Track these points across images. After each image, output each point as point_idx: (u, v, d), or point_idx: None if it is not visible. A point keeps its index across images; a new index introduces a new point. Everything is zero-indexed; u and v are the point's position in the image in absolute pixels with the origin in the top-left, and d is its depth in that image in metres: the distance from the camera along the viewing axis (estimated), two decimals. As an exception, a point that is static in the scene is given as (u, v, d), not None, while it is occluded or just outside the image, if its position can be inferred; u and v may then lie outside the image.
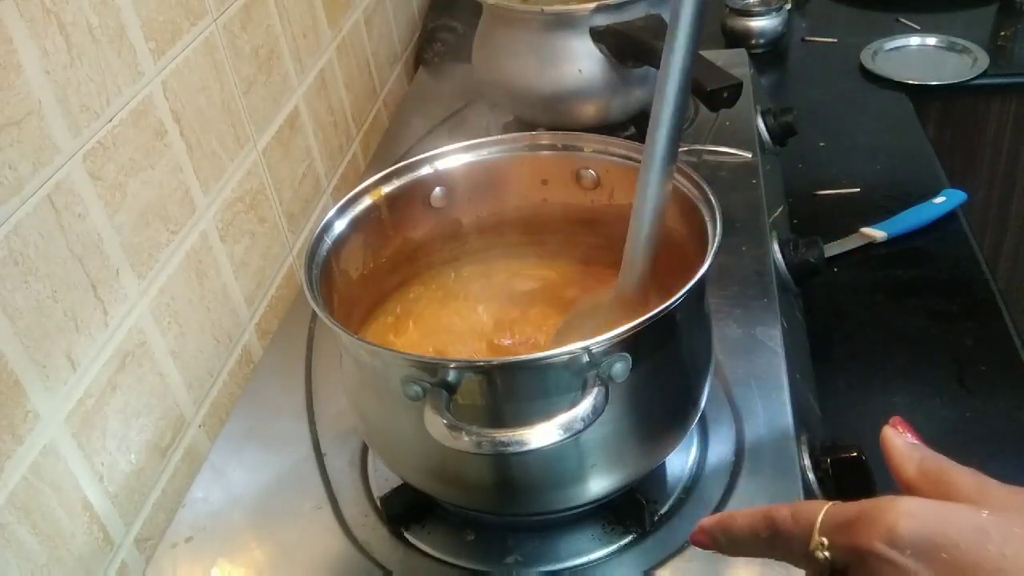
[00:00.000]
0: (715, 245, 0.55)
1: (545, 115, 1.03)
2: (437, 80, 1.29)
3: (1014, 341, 0.89)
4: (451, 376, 0.51)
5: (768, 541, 0.41)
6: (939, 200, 1.05)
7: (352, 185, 0.70)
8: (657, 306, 0.51)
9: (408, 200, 0.69)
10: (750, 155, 0.97)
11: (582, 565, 0.60)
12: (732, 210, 0.89)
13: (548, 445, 0.47)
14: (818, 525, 0.39)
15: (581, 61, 0.97)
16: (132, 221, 0.69)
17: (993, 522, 0.35)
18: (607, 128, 1.01)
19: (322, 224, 0.63)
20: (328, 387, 0.77)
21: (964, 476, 0.39)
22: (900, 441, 0.42)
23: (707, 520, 0.46)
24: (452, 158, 0.70)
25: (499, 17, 1.02)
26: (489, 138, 0.71)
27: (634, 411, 0.55)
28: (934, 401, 0.83)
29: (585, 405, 0.48)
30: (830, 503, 0.39)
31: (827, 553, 0.38)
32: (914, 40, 1.44)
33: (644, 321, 0.50)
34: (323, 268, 0.61)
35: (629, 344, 0.50)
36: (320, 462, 0.71)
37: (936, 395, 0.84)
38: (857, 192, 1.11)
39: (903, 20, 1.51)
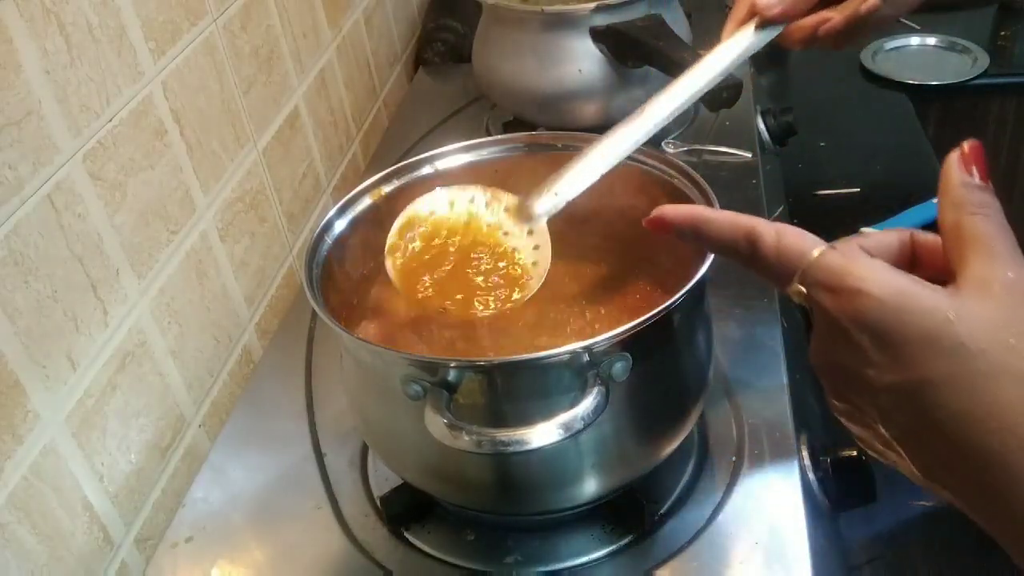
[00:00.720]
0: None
1: (545, 115, 1.03)
2: (437, 80, 1.29)
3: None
4: (451, 375, 0.51)
5: (746, 258, 0.41)
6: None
7: (352, 185, 0.70)
8: (657, 305, 0.51)
9: (408, 200, 0.69)
10: (750, 155, 0.97)
11: (582, 565, 0.60)
12: (732, 210, 0.88)
13: (548, 444, 0.47)
14: (798, 275, 0.39)
15: (581, 61, 0.98)
16: (132, 221, 0.69)
17: (963, 309, 0.35)
18: (607, 128, 1.01)
19: (322, 224, 0.63)
20: (328, 387, 0.77)
21: (982, 254, 0.36)
22: (959, 178, 0.38)
23: (671, 211, 0.45)
24: (452, 158, 0.70)
25: (499, 17, 1.03)
26: (489, 138, 0.71)
27: (634, 411, 0.55)
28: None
29: (585, 405, 0.48)
30: (816, 252, 0.39)
31: (802, 299, 0.39)
32: (914, 40, 1.44)
33: (644, 321, 0.50)
34: (323, 268, 0.61)
35: (629, 344, 0.50)
36: (320, 462, 0.71)
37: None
38: (857, 192, 1.11)
39: (903, 20, 1.51)
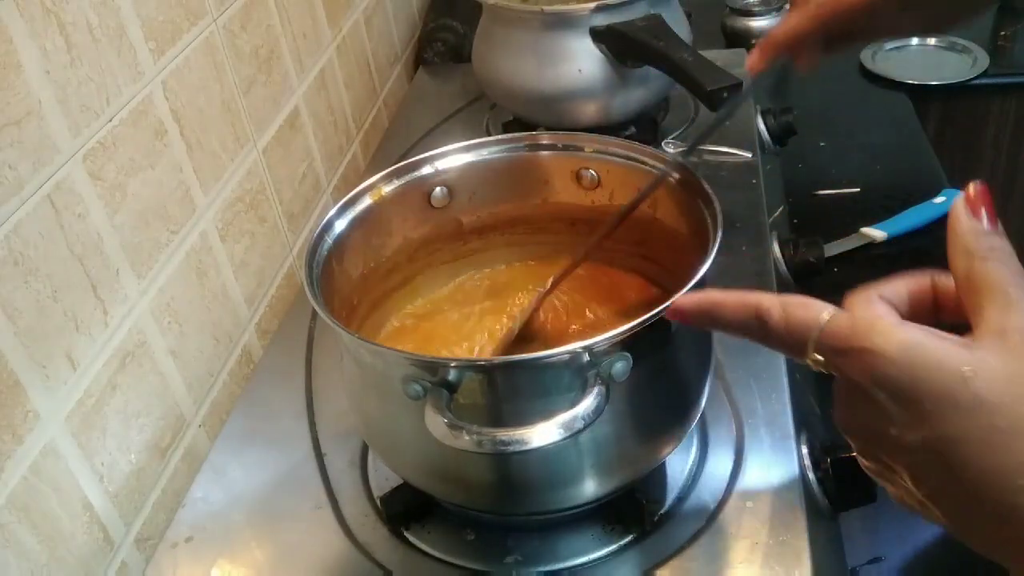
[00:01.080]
0: (716, 245, 0.55)
1: (545, 115, 1.03)
2: (437, 80, 1.29)
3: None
4: (452, 375, 0.51)
5: (759, 336, 0.42)
6: (939, 200, 1.05)
7: (352, 185, 0.70)
8: (657, 305, 0.51)
9: (408, 200, 0.69)
10: (750, 155, 0.97)
11: (582, 565, 0.60)
12: (732, 210, 0.89)
13: (548, 444, 0.47)
14: (811, 344, 0.39)
15: (581, 61, 0.97)
16: (132, 221, 0.69)
17: (979, 363, 0.34)
18: (607, 128, 1.01)
19: (322, 224, 0.63)
20: (328, 387, 0.77)
21: (997, 303, 0.35)
22: (967, 225, 0.37)
23: (685, 301, 0.45)
24: (452, 158, 0.70)
25: (499, 17, 1.02)
26: (489, 138, 0.71)
27: (634, 411, 0.55)
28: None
29: (585, 404, 0.48)
30: (825, 317, 0.38)
31: (821, 366, 0.39)
32: (914, 40, 1.44)
33: (644, 321, 0.50)
34: (323, 268, 0.61)
35: (629, 344, 0.50)
36: (320, 462, 0.71)
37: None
38: (857, 192, 1.11)
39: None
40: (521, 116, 1.08)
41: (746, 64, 0.66)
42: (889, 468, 0.38)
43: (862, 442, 0.39)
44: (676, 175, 0.63)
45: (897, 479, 0.38)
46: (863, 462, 0.40)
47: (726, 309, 0.43)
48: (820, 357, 0.39)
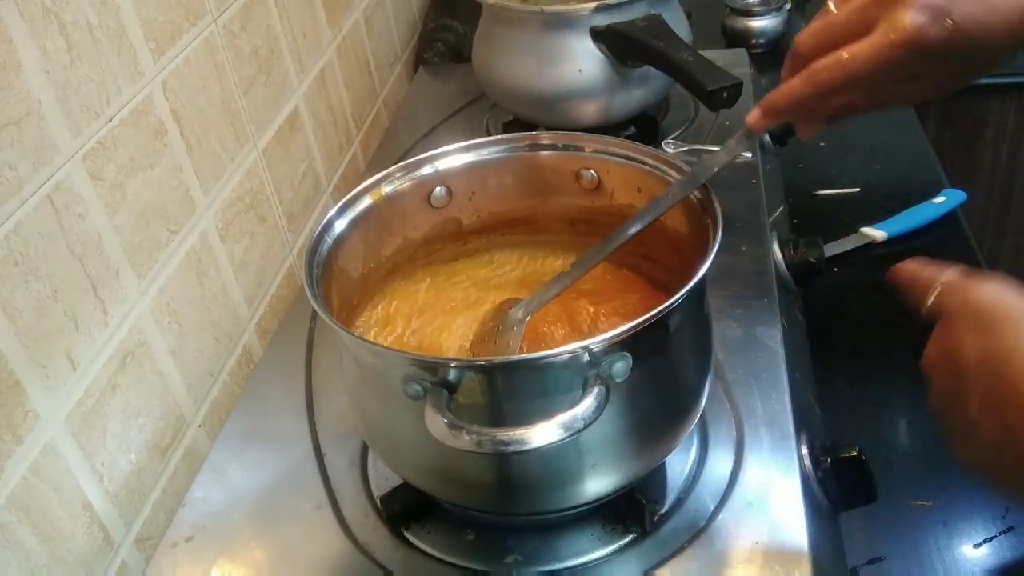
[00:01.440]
0: (716, 245, 0.55)
1: (545, 115, 1.03)
2: (437, 80, 1.29)
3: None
4: (452, 375, 0.51)
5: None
6: (939, 200, 1.04)
7: (352, 185, 0.70)
8: (657, 305, 0.51)
9: (408, 200, 0.69)
10: (750, 155, 0.97)
11: (582, 565, 0.60)
12: (732, 210, 0.88)
13: (548, 444, 0.47)
14: (935, 289, 0.49)
15: (581, 61, 0.97)
16: (132, 221, 0.69)
17: None
18: (607, 128, 1.01)
19: (323, 224, 0.63)
20: (328, 387, 0.77)
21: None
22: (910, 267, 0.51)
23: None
24: (452, 158, 0.70)
25: (499, 17, 1.02)
26: (489, 138, 0.71)
27: (634, 411, 0.55)
28: (934, 401, 0.83)
29: (586, 404, 0.48)
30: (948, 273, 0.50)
31: (931, 309, 0.50)
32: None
33: (644, 321, 0.50)
34: (324, 268, 0.61)
35: (629, 344, 0.50)
36: (320, 462, 0.71)
37: (936, 395, 0.84)
38: (857, 192, 1.11)
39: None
40: (521, 116, 1.08)
41: (747, 120, 0.63)
42: (956, 393, 0.46)
43: (940, 372, 0.48)
44: (676, 175, 0.63)
45: (960, 402, 0.46)
46: (935, 402, 0.48)
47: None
48: (935, 299, 0.49)
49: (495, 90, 1.07)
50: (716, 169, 0.61)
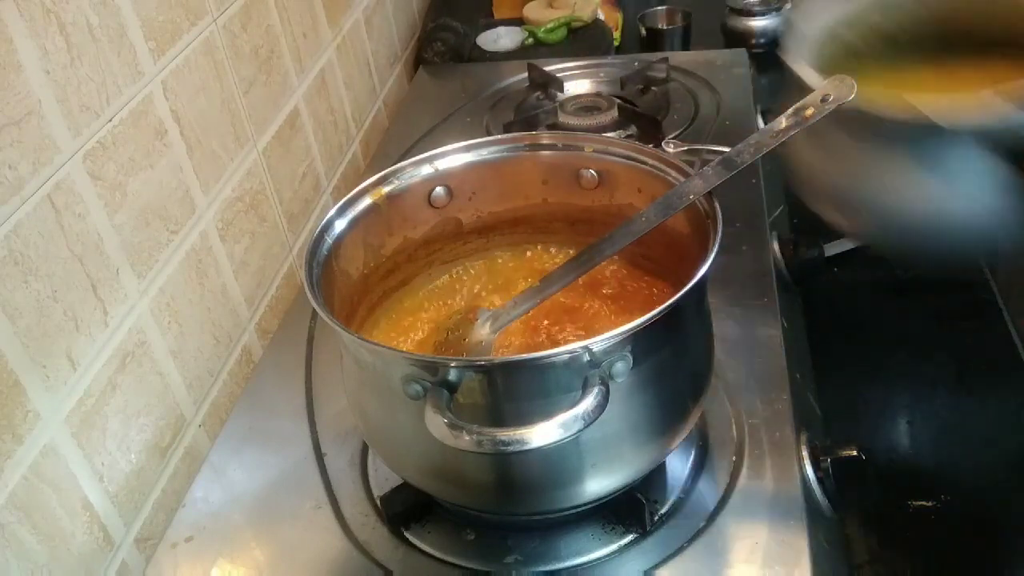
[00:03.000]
0: (716, 245, 0.55)
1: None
2: (437, 80, 1.29)
3: (1014, 341, 0.89)
4: (452, 375, 0.51)
5: None
6: (939, 200, 1.04)
7: (352, 185, 0.70)
8: (658, 305, 0.51)
9: (408, 200, 0.69)
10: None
11: (582, 565, 0.60)
12: (732, 210, 0.88)
13: (549, 444, 0.47)
14: None
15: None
16: (132, 221, 0.69)
17: None
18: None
19: (323, 224, 0.63)
20: (328, 387, 0.77)
21: None
22: None
23: None
24: (452, 158, 0.70)
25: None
26: (489, 138, 0.71)
27: (634, 411, 0.55)
28: (934, 401, 0.83)
29: (586, 404, 0.48)
30: None
31: None
32: (914, 40, 1.44)
33: (644, 321, 0.50)
34: (323, 268, 0.61)
35: (629, 344, 0.50)
36: (320, 462, 0.71)
37: (936, 395, 0.84)
38: (857, 192, 1.11)
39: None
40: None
41: None
42: None
43: None
44: (676, 175, 0.63)
45: None
46: None
47: None
48: None
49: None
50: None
